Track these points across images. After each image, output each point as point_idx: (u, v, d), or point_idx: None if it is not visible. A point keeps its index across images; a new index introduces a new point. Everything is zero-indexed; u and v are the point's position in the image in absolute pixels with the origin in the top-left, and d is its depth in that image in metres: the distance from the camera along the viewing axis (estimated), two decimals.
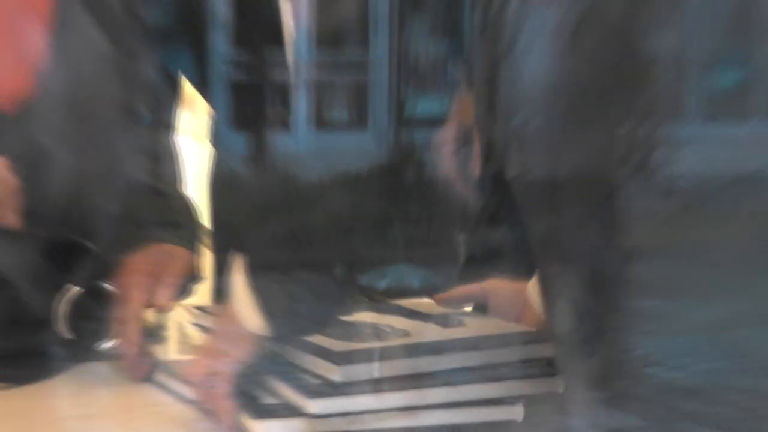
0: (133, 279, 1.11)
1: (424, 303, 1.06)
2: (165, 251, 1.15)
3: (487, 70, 0.84)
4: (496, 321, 1.04)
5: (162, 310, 1.13)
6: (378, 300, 1.01)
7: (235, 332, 0.92)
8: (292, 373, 0.94)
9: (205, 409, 0.95)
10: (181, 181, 1.30)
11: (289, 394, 0.92)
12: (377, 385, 0.91)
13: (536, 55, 0.82)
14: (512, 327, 1.01)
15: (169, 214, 1.21)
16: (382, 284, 0.98)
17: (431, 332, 0.99)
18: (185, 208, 1.26)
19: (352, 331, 0.95)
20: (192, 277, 1.17)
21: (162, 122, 1.39)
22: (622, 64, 0.78)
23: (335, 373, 0.89)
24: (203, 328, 1.07)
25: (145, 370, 1.05)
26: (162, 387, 1.07)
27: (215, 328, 0.96)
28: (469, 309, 1.10)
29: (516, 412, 0.93)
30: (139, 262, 1.12)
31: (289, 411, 0.91)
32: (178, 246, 1.17)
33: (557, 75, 0.82)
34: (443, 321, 1.01)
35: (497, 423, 0.94)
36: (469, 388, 0.93)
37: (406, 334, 0.97)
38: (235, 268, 0.91)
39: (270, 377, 0.94)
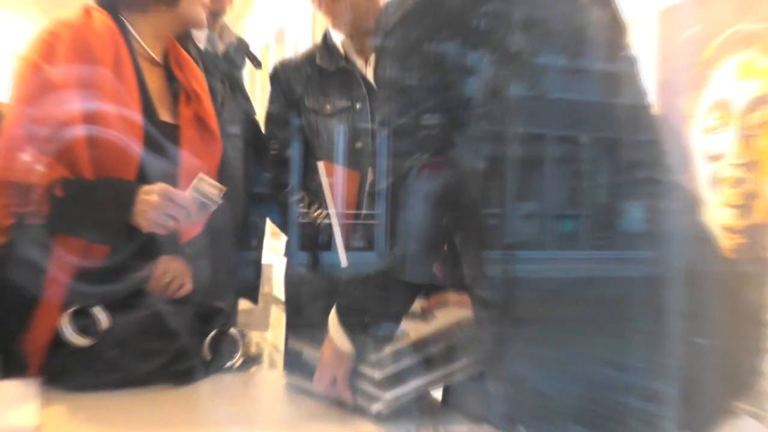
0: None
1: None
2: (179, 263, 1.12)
3: (394, 217, 0.85)
4: (455, 311, 0.99)
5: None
6: (377, 340, 0.96)
7: (338, 351, 0.92)
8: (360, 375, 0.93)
9: (335, 398, 0.94)
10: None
11: (365, 387, 0.91)
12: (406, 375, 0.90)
13: (418, 209, 0.83)
14: (464, 312, 0.95)
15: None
16: (379, 332, 0.95)
17: (420, 326, 0.97)
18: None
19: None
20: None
21: (260, 244, 1.41)
22: (473, 217, 0.78)
23: (377, 374, 0.90)
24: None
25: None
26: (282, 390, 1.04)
27: (325, 351, 0.93)
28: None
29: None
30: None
31: (370, 399, 0.90)
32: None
33: (429, 221, 0.83)
34: (424, 317, 0.99)
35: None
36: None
37: (407, 333, 0.95)
38: (331, 316, 0.92)
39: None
